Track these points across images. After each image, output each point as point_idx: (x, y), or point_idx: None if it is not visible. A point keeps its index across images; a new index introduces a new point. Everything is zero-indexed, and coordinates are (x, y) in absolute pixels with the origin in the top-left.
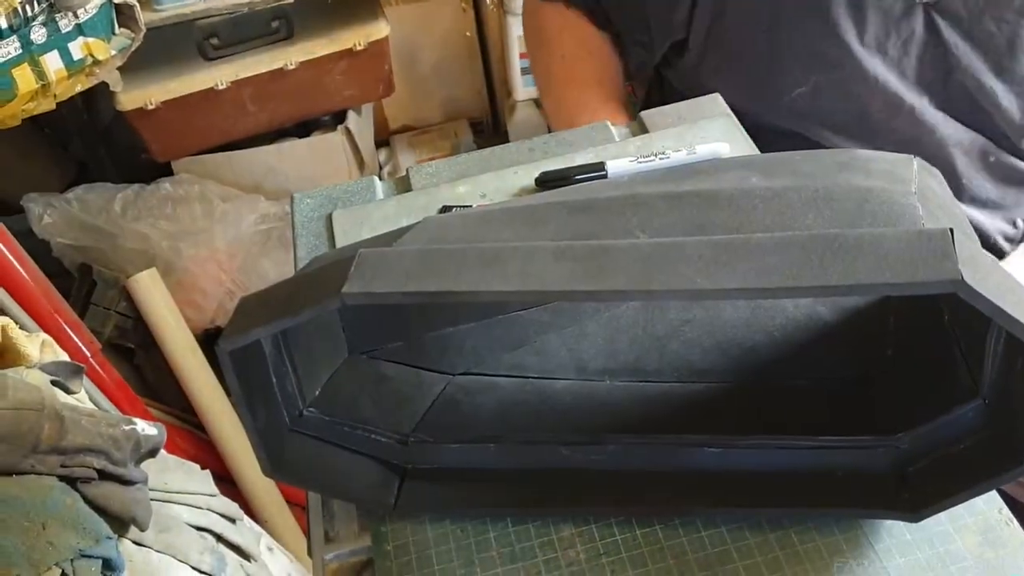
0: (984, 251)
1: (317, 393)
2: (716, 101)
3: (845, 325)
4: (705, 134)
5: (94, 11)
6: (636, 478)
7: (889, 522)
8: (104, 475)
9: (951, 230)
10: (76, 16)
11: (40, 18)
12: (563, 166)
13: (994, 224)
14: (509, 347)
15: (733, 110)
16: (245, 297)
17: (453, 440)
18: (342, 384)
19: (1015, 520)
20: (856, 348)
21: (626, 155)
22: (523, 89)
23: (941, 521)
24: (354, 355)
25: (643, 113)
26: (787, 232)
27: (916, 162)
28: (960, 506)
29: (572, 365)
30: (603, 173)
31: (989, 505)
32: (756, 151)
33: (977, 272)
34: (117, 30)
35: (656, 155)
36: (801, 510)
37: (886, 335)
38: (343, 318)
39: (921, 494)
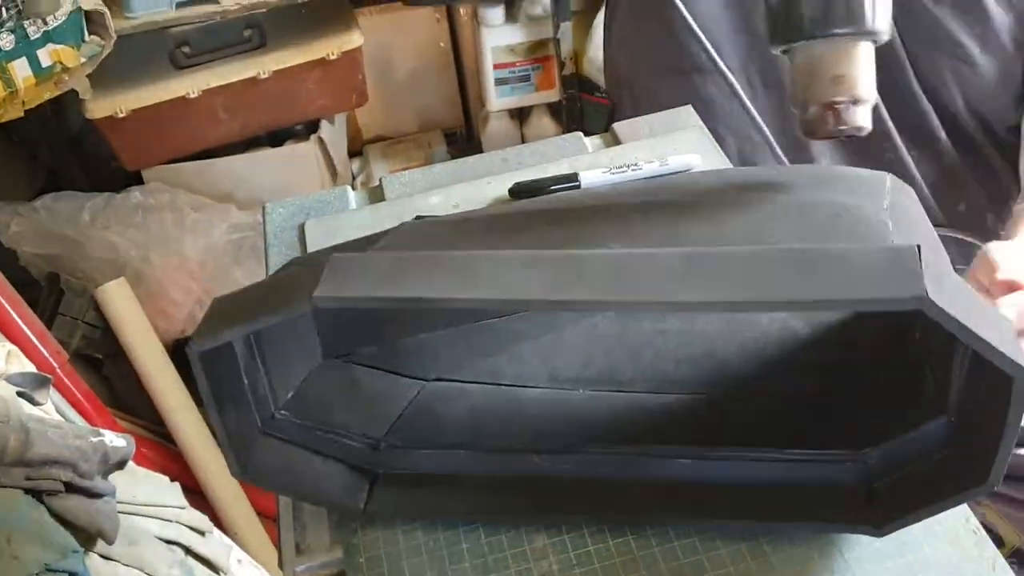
0: (951, 270)
1: (289, 396)
2: (688, 113)
3: (818, 339)
4: (677, 146)
5: (63, 18)
6: (608, 487)
7: None
8: (71, 487)
9: (918, 247)
10: (45, 23)
11: (8, 25)
12: (537, 177)
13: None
14: (483, 354)
15: None
16: (217, 298)
17: (425, 446)
18: (315, 387)
19: (982, 529)
20: (828, 362)
21: (599, 166)
22: (497, 100)
23: (911, 531)
24: (328, 359)
25: (615, 125)
26: (758, 246)
27: (890, 179)
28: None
29: (545, 373)
30: (576, 184)
31: (957, 516)
32: (727, 162)
33: (943, 290)
34: (87, 37)
35: (628, 166)
36: (769, 523)
37: (857, 350)
38: (318, 321)
39: (887, 508)
